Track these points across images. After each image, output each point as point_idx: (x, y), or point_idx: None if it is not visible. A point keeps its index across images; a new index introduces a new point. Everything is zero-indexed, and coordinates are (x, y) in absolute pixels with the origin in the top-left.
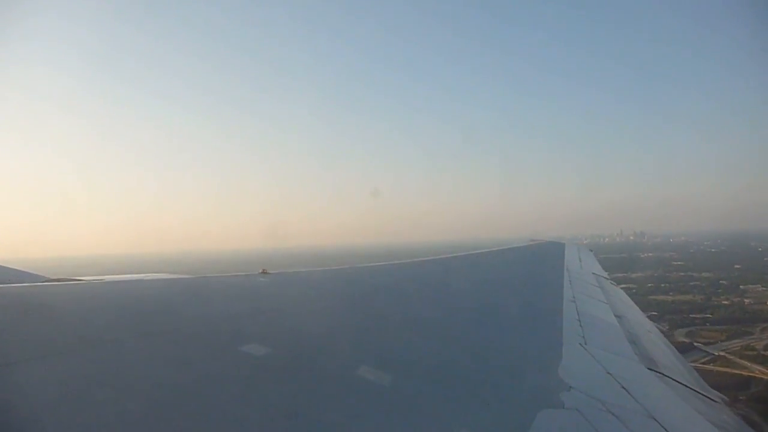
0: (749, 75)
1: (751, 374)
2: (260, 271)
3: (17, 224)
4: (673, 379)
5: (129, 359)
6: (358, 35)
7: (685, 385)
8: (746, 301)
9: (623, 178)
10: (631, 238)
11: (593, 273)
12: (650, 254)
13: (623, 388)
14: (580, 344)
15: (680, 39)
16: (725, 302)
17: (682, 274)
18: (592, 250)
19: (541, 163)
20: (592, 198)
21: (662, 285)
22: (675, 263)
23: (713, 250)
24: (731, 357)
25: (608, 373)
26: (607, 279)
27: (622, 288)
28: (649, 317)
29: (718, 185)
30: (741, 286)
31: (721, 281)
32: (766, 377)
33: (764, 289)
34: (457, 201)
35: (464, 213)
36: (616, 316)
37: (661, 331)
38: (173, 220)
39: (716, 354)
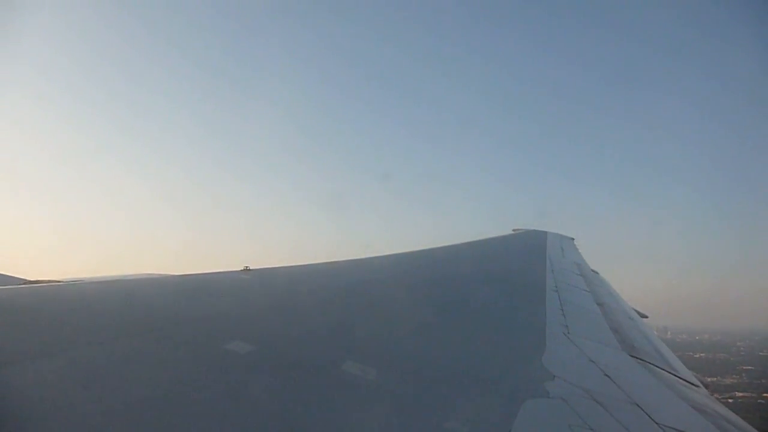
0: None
1: None
2: (243, 268)
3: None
4: (656, 366)
5: (112, 360)
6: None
7: (668, 371)
8: None
9: (633, 259)
10: (655, 331)
11: (575, 262)
12: (702, 354)
13: (607, 375)
14: (563, 333)
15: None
16: None
17: None
18: (573, 238)
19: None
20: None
21: None
22: (745, 368)
23: (762, 353)
24: None
25: (592, 361)
26: (593, 271)
27: (739, 396)
28: None
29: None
30: None
31: None
32: None
33: None
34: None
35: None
36: (597, 304)
37: (642, 317)
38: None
39: None
